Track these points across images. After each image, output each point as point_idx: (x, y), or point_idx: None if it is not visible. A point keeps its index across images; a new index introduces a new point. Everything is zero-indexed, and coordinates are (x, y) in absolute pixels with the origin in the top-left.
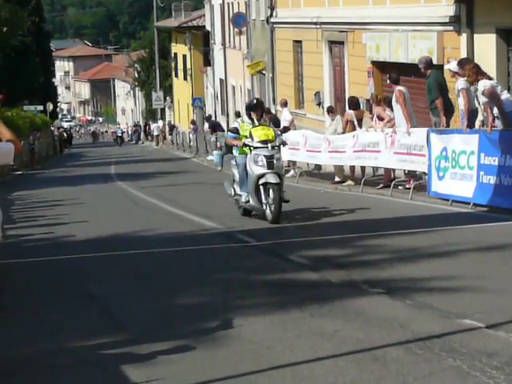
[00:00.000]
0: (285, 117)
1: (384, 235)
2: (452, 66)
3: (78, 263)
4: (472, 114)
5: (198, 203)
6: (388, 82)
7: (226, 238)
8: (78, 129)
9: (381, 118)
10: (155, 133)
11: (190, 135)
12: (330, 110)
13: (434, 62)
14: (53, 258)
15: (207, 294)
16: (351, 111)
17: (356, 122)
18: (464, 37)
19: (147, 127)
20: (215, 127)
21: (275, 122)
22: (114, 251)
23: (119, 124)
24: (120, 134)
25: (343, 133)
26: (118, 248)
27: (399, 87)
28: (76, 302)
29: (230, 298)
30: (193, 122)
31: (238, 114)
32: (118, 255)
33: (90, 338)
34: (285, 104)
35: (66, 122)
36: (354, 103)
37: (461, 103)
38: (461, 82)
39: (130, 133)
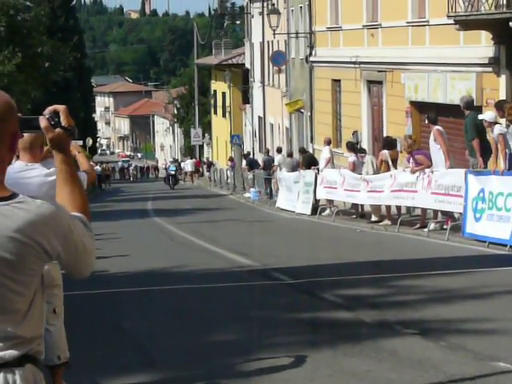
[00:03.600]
0: (324, 155)
1: (419, 276)
2: (486, 116)
3: (112, 298)
4: (510, 158)
5: (234, 240)
6: (426, 121)
7: (261, 275)
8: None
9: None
10: (188, 169)
11: (228, 172)
12: (353, 150)
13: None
14: (87, 292)
15: (240, 331)
16: (386, 151)
17: (390, 162)
18: (503, 78)
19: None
20: (253, 165)
21: (311, 161)
22: (149, 286)
23: (164, 160)
24: (173, 172)
25: (377, 173)
26: (153, 283)
27: (437, 127)
28: (110, 337)
29: (263, 336)
30: (231, 159)
31: (279, 150)
32: (152, 290)
33: (124, 373)
34: (327, 142)
35: (123, 161)
36: (389, 143)
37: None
38: (497, 128)
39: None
